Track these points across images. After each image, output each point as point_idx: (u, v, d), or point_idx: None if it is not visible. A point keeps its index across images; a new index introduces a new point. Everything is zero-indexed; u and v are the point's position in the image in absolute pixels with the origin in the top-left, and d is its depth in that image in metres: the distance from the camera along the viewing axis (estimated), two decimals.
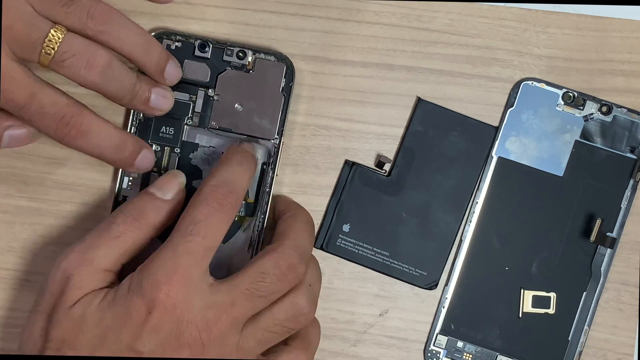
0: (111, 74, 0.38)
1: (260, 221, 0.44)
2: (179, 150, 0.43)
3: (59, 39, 0.37)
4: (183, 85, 0.43)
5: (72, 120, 0.38)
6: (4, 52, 0.36)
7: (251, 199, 0.44)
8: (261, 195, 0.43)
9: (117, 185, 0.43)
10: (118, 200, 0.43)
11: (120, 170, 0.43)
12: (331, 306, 0.45)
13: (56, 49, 0.37)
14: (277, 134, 0.43)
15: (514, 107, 0.45)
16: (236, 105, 0.43)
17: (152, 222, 0.39)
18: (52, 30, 0.37)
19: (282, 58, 0.43)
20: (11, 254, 0.45)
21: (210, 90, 0.43)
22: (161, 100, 0.41)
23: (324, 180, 0.45)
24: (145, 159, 0.42)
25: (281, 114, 0.43)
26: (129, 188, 0.44)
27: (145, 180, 0.43)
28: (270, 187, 0.43)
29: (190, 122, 0.43)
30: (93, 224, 0.44)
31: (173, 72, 0.41)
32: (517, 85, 0.45)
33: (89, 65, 0.38)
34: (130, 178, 0.44)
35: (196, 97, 0.43)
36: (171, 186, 0.41)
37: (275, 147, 0.44)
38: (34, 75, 0.38)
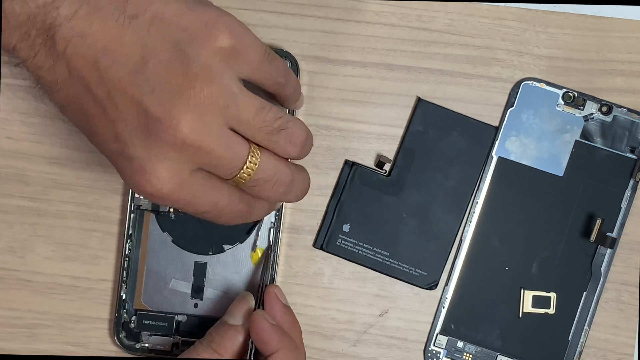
0: (291, 189, 0.38)
1: (275, 219, 0.44)
2: None
3: (255, 165, 0.35)
4: None
5: (245, 213, 0.38)
6: (190, 172, 0.35)
7: None
8: None
9: (130, 195, 0.44)
10: (131, 210, 0.44)
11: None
12: (331, 306, 0.45)
13: (252, 176, 0.36)
14: None
15: (514, 107, 0.45)
16: None
17: (230, 350, 0.40)
18: (249, 156, 0.35)
19: (284, 55, 0.43)
20: (11, 254, 0.45)
21: None
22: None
23: (324, 180, 0.45)
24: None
25: (289, 111, 0.43)
26: (141, 197, 0.44)
27: None
28: None
29: None
30: (93, 224, 0.45)
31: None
32: (517, 85, 0.45)
33: (277, 185, 0.37)
34: None
35: None
36: (241, 311, 0.41)
37: None
38: (212, 180, 0.36)
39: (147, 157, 0.33)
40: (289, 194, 0.38)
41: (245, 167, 0.35)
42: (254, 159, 0.35)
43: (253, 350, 0.40)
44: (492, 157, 0.45)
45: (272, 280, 0.44)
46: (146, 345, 0.44)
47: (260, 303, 0.42)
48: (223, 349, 0.40)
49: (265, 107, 0.35)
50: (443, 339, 0.45)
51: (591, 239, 0.44)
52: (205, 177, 0.35)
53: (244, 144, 0.35)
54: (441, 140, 0.45)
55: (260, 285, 0.43)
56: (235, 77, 0.35)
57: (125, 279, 0.44)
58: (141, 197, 0.44)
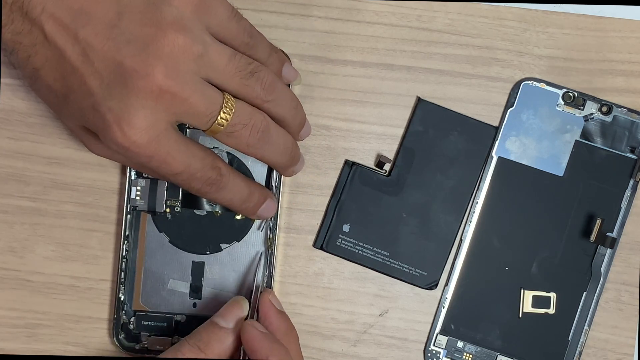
0: (268, 138, 0.38)
1: (271, 218, 0.44)
2: None
3: (232, 110, 0.36)
4: None
5: (215, 180, 0.38)
6: (167, 124, 0.35)
7: None
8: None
9: (126, 196, 0.44)
10: (127, 211, 0.44)
11: (128, 180, 0.43)
12: (331, 306, 0.45)
13: (229, 121, 0.36)
14: None
15: (514, 107, 0.45)
16: None
17: (217, 352, 0.40)
18: (224, 103, 0.36)
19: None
20: (11, 254, 0.45)
21: None
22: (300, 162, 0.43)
23: (324, 180, 0.45)
24: (268, 208, 0.42)
25: None
26: (137, 197, 0.44)
27: (152, 191, 0.44)
28: (279, 183, 0.43)
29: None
30: (93, 224, 0.45)
31: (307, 130, 0.43)
32: (517, 85, 0.45)
33: (253, 131, 0.37)
34: (139, 188, 0.44)
35: None
36: (233, 315, 0.41)
37: None
38: (186, 140, 0.37)
39: (124, 107, 0.34)
40: (266, 143, 0.38)
41: (222, 112, 0.36)
42: (229, 103, 0.36)
43: (246, 358, 0.40)
44: (492, 157, 0.45)
45: (270, 279, 0.44)
46: (146, 346, 0.44)
47: (255, 307, 0.42)
48: (210, 350, 0.40)
49: (236, 55, 0.37)
50: (443, 339, 0.45)
51: (591, 239, 0.44)
52: (181, 137, 0.36)
53: (218, 92, 0.36)
54: (441, 140, 0.45)
55: (254, 287, 0.43)
56: (206, 28, 0.36)
57: (123, 280, 0.44)
58: (137, 198, 0.44)
